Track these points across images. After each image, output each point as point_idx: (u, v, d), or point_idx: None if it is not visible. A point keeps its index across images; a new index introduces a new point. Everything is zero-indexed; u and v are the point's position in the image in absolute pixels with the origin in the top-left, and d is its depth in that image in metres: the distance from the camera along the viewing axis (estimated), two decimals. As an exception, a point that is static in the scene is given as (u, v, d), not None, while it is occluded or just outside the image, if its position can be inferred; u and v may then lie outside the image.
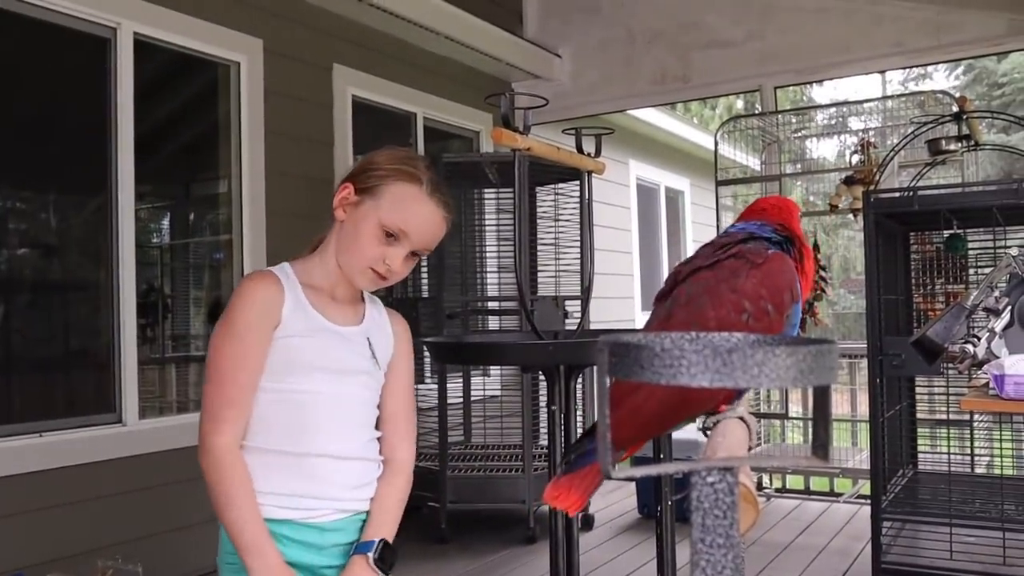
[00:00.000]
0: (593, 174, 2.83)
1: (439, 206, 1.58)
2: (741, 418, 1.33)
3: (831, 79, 6.36)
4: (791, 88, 11.26)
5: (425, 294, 4.62)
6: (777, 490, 5.21)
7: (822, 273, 4.78)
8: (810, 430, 5.49)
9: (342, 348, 1.56)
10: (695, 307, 1.39)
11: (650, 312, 1.59)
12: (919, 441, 4.25)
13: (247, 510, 1.44)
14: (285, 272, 1.60)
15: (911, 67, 13.30)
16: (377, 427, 1.64)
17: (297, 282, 1.58)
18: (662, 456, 2.13)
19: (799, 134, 5.54)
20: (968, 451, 3.97)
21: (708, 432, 1.32)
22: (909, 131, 4.13)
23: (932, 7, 4.73)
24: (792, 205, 1.56)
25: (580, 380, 3.27)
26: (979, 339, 2.60)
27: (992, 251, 3.55)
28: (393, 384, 1.65)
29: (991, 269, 2.94)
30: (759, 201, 1.61)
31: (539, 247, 4.63)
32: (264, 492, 1.47)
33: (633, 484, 4.78)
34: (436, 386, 4.29)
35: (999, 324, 2.62)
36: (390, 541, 1.57)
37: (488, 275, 5.05)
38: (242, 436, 1.49)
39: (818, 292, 4.76)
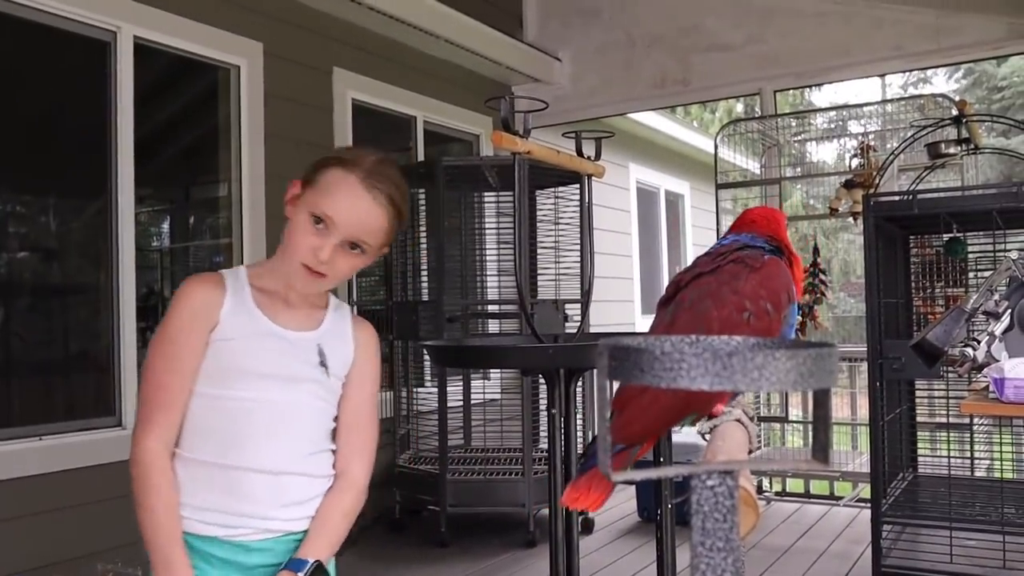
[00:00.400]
0: (593, 177, 2.83)
1: (374, 194, 1.46)
2: (739, 421, 1.34)
3: (831, 83, 6.36)
4: (791, 92, 11.29)
5: (425, 297, 4.62)
6: (777, 493, 5.20)
7: (822, 276, 4.78)
8: (810, 433, 5.49)
9: (285, 354, 1.48)
10: (698, 309, 1.45)
11: (652, 317, 1.63)
12: (919, 444, 4.25)
13: (162, 523, 1.38)
14: (236, 274, 1.53)
15: (911, 71, 13.31)
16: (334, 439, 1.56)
17: (247, 284, 1.51)
18: (662, 459, 2.13)
19: (799, 137, 5.55)
20: (968, 454, 3.97)
21: (707, 437, 1.35)
22: (909, 135, 4.14)
23: (932, 11, 4.74)
24: (779, 215, 1.63)
25: (580, 384, 3.26)
26: (979, 342, 2.61)
27: (992, 254, 3.56)
28: (350, 395, 1.56)
29: (991, 272, 2.94)
30: (747, 212, 1.65)
31: (539, 250, 4.63)
32: (191, 505, 1.41)
33: (633, 488, 4.77)
34: (436, 390, 4.29)
35: (999, 328, 2.62)
36: (325, 563, 1.46)
37: (488, 278, 5.05)
38: (173, 442, 1.43)
39: (818, 295, 4.76)
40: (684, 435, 4.44)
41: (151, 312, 5.53)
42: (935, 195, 3.57)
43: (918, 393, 4.14)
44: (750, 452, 1.36)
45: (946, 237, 3.63)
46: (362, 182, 1.46)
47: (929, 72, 17.07)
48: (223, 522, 1.41)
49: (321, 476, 1.51)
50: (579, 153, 2.70)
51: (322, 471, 1.51)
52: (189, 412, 1.44)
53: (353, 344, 1.58)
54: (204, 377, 1.44)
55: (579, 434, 4.31)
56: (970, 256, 3.81)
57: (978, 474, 4.02)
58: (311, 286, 1.50)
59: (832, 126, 5.69)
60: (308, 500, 1.49)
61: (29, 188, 3.74)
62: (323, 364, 1.51)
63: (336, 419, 1.55)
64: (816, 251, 4.91)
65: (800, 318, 4.71)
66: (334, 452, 1.54)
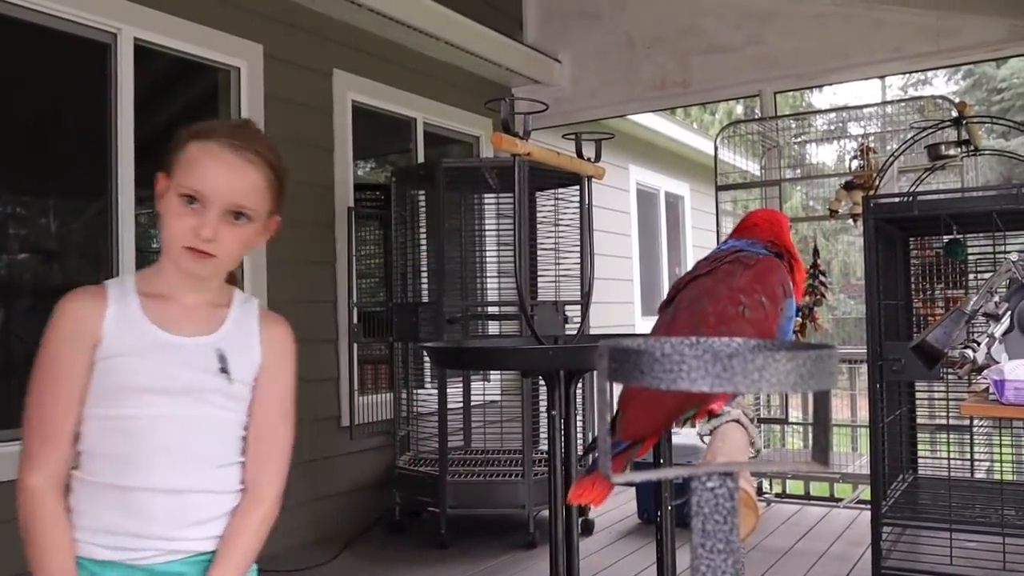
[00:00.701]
0: (593, 179, 2.84)
1: (239, 152, 1.37)
2: (738, 422, 1.35)
3: (831, 84, 6.36)
4: (791, 93, 11.29)
5: (425, 299, 4.63)
6: (777, 495, 5.20)
7: (822, 278, 4.78)
8: (810, 435, 5.49)
9: (180, 364, 1.37)
10: (695, 307, 1.49)
11: (652, 319, 1.66)
12: (919, 446, 4.25)
13: (51, 560, 1.31)
14: (120, 284, 1.41)
15: (911, 72, 13.31)
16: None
17: (134, 293, 1.39)
18: (662, 461, 2.13)
19: (799, 139, 5.55)
20: (968, 456, 3.97)
21: (706, 439, 1.37)
22: (909, 136, 4.14)
23: (932, 12, 4.74)
24: (782, 218, 1.65)
25: (580, 385, 3.26)
26: (979, 344, 2.61)
27: (992, 256, 3.56)
28: (260, 401, 1.44)
29: (991, 274, 2.94)
30: (750, 216, 1.66)
31: (539, 252, 4.63)
32: (91, 529, 1.33)
33: (633, 489, 4.77)
34: (436, 391, 4.29)
35: (999, 329, 2.62)
36: None
37: (488, 280, 5.05)
38: (62, 474, 1.34)
39: (818, 297, 4.76)
40: (684, 437, 4.45)
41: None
42: (935, 197, 3.57)
43: (918, 395, 4.14)
44: (756, 452, 1.38)
45: (946, 239, 3.64)
46: (224, 146, 1.36)
47: (929, 74, 17.10)
48: (125, 545, 1.33)
49: (229, 492, 1.42)
50: (579, 155, 2.70)
51: (230, 486, 1.42)
52: (84, 435, 1.35)
53: (260, 345, 1.46)
54: (94, 398, 1.34)
55: (579, 436, 4.32)
56: (970, 258, 3.81)
57: (978, 476, 4.02)
58: (202, 268, 1.37)
59: (832, 128, 5.69)
60: (215, 518, 1.40)
61: (29, 189, 3.74)
62: (224, 371, 1.40)
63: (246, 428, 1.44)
64: (816, 253, 4.91)
65: (800, 320, 4.71)
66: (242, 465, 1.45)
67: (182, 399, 1.36)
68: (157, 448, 1.34)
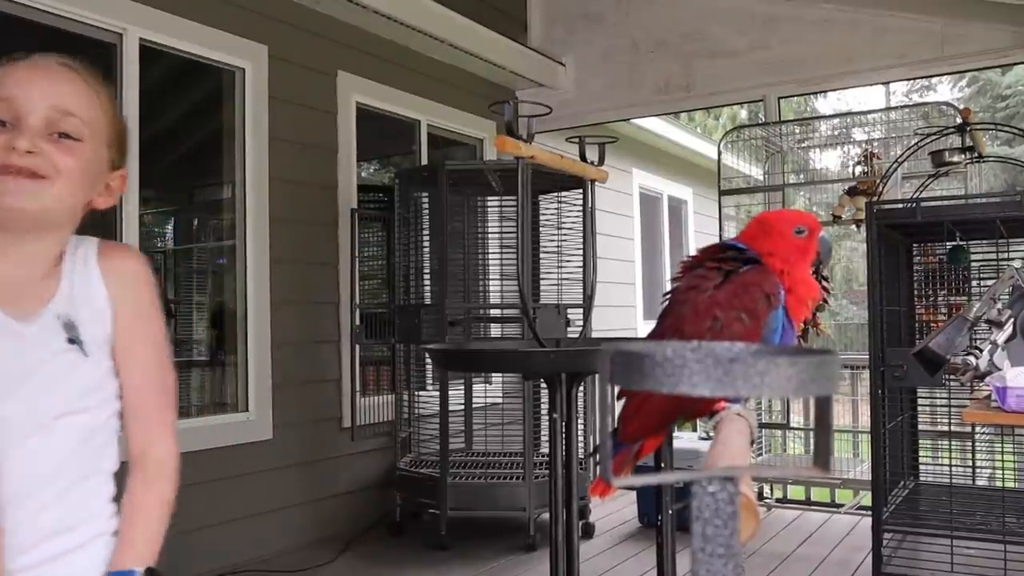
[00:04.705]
0: (596, 182, 2.84)
1: (48, 63, 1.11)
2: (739, 414, 1.35)
3: (835, 90, 6.37)
4: (794, 99, 11.28)
5: (427, 301, 4.63)
6: (778, 500, 5.19)
7: (824, 284, 4.78)
8: (811, 440, 5.48)
9: (11, 351, 1.07)
10: (676, 315, 1.54)
11: (654, 322, 1.68)
12: (921, 453, 4.24)
13: None
14: None
15: (915, 79, 13.31)
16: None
17: None
18: (663, 465, 2.13)
19: (803, 144, 5.54)
20: (970, 463, 3.96)
21: (711, 433, 1.38)
22: (913, 142, 4.14)
23: (936, 19, 4.74)
24: (776, 221, 1.59)
25: (581, 388, 3.26)
26: (981, 351, 2.60)
27: (995, 263, 3.55)
28: (126, 356, 1.16)
29: (994, 281, 2.94)
30: (753, 223, 1.64)
31: (542, 255, 4.63)
32: None
33: (633, 493, 4.77)
34: (438, 393, 4.29)
35: (1001, 336, 2.61)
36: (155, 567, 1.16)
37: (491, 283, 5.05)
38: None
39: (820, 302, 4.76)
40: (685, 440, 4.45)
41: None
42: (938, 203, 3.57)
43: (920, 401, 4.13)
44: (755, 452, 1.39)
45: (949, 245, 3.63)
46: (31, 62, 1.11)
47: (933, 80, 17.08)
48: None
49: (103, 477, 1.16)
50: (582, 158, 2.70)
51: (103, 472, 1.16)
52: None
53: (105, 289, 1.15)
54: None
55: (580, 438, 4.32)
56: (973, 265, 3.81)
57: (980, 483, 4.01)
58: (28, 198, 1.06)
59: (836, 133, 5.69)
60: (86, 524, 1.13)
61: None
62: (75, 341, 1.10)
63: (119, 397, 1.18)
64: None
65: (802, 325, 4.70)
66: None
67: (15, 392, 1.07)
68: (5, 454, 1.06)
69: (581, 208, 4.37)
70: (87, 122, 1.11)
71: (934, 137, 4.02)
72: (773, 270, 1.51)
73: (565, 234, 4.61)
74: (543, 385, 3.10)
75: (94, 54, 3.63)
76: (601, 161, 2.77)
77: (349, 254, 4.60)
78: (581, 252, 4.37)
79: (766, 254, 1.53)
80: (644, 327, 8.21)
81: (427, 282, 4.67)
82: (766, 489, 5.18)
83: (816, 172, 5.77)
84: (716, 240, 5.30)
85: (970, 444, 3.94)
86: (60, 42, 3.50)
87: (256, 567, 3.88)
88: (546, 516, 3.87)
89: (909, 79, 12.31)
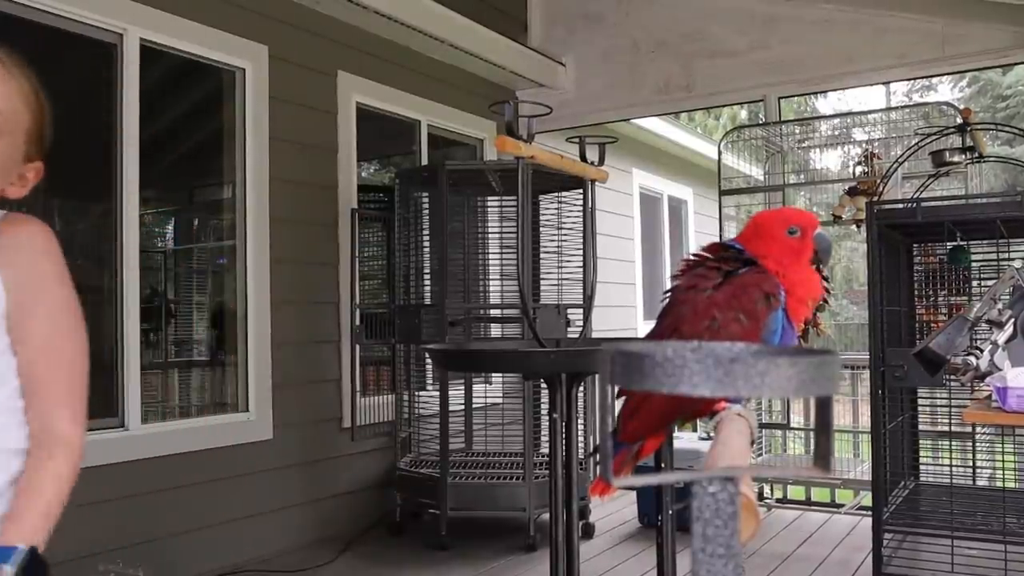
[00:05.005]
0: (596, 182, 2.84)
1: None
2: (739, 414, 1.35)
3: (835, 90, 6.37)
4: (795, 99, 11.28)
5: (427, 301, 4.63)
6: (778, 500, 5.19)
7: (824, 284, 4.77)
8: (811, 441, 5.48)
9: None
10: (675, 314, 1.54)
11: (654, 323, 1.68)
12: (921, 453, 4.24)
13: None
14: None
15: (915, 79, 13.31)
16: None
17: None
18: (663, 465, 2.13)
19: (803, 144, 5.54)
20: (970, 463, 3.96)
21: (711, 433, 1.38)
22: (913, 142, 4.13)
23: (937, 19, 4.74)
24: (772, 222, 1.57)
25: (582, 388, 3.26)
26: (982, 351, 2.60)
27: (995, 263, 3.55)
28: (19, 331, 1.14)
29: (994, 281, 2.94)
30: (749, 224, 1.64)
31: (542, 255, 4.63)
32: None
33: (633, 493, 4.77)
34: (438, 393, 4.29)
35: (1002, 336, 2.61)
36: (40, 548, 1.11)
37: (491, 283, 5.05)
38: None
39: (820, 302, 4.76)
40: (685, 441, 4.45)
41: (154, 313, 5.54)
42: (939, 203, 3.57)
43: (920, 401, 4.13)
44: (754, 450, 1.39)
45: (949, 245, 3.63)
46: None
47: (934, 80, 17.08)
48: None
49: (10, 456, 1.15)
50: (582, 158, 2.70)
51: (12, 448, 1.15)
52: None
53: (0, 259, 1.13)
54: None
55: (580, 438, 4.31)
56: (973, 265, 3.80)
57: (980, 483, 4.01)
58: None
59: (836, 133, 5.69)
60: None
61: (34, 189, 3.75)
62: None
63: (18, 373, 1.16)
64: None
65: (803, 325, 4.70)
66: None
67: None
68: None
69: (581, 208, 4.37)
70: (7, 115, 1.10)
71: (934, 137, 4.02)
72: (769, 272, 1.51)
73: (565, 234, 4.61)
74: (543, 385, 3.11)
75: (94, 54, 3.63)
76: (601, 161, 2.77)
77: (349, 254, 4.60)
78: (581, 252, 4.37)
79: (761, 256, 1.52)
80: (644, 327, 8.21)
81: (427, 282, 4.67)
82: (766, 489, 5.18)
83: (816, 172, 5.77)
84: (715, 239, 5.31)
85: (970, 444, 3.94)
86: (60, 42, 3.50)
87: (256, 567, 3.88)
88: (546, 516, 3.87)
89: (909, 79, 12.32)
